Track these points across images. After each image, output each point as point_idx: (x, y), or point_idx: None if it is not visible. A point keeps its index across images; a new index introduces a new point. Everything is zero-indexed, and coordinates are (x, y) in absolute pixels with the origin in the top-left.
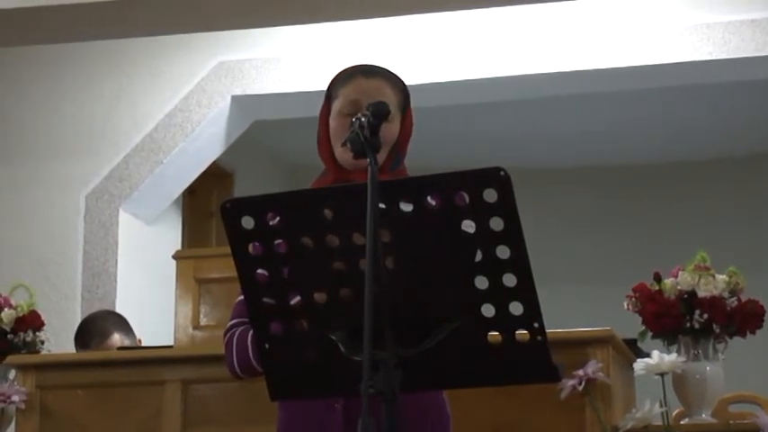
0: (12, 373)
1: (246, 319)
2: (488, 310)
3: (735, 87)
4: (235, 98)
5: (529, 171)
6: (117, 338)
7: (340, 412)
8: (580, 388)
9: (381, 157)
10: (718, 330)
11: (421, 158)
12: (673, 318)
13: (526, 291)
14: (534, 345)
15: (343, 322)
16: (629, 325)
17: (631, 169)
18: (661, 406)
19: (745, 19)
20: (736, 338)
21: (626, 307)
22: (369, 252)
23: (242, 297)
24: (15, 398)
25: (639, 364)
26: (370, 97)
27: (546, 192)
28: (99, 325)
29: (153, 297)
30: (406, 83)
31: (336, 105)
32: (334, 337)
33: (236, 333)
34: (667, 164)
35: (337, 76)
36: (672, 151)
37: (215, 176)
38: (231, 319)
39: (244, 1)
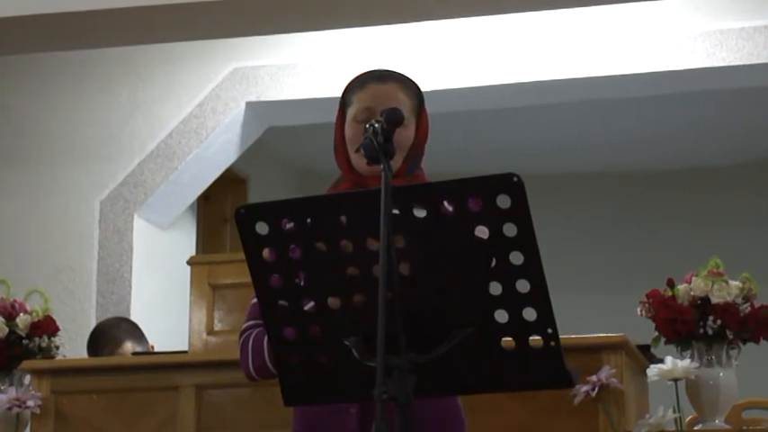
0: (27, 379)
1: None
2: (502, 316)
3: (748, 93)
4: (249, 104)
5: (542, 177)
6: (129, 346)
7: (355, 417)
8: (593, 394)
9: (397, 161)
10: (731, 336)
11: (434, 164)
12: (686, 324)
13: (539, 296)
14: (548, 350)
15: (356, 328)
16: (643, 331)
17: (645, 175)
18: (674, 412)
19: (758, 25)
20: (750, 344)
21: (639, 313)
22: (382, 258)
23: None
24: (30, 403)
25: (653, 370)
26: (383, 103)
27: (559, 198)
28: (111, 333)
29: (167, 302)
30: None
31: (351, 112)
32: (347, 343)
33: (252, 335)
34: (681, 170)
35: (351, 82)
36: (685, 157)
37: (229, 182)
38: (246, 321)
39: (258, 8)
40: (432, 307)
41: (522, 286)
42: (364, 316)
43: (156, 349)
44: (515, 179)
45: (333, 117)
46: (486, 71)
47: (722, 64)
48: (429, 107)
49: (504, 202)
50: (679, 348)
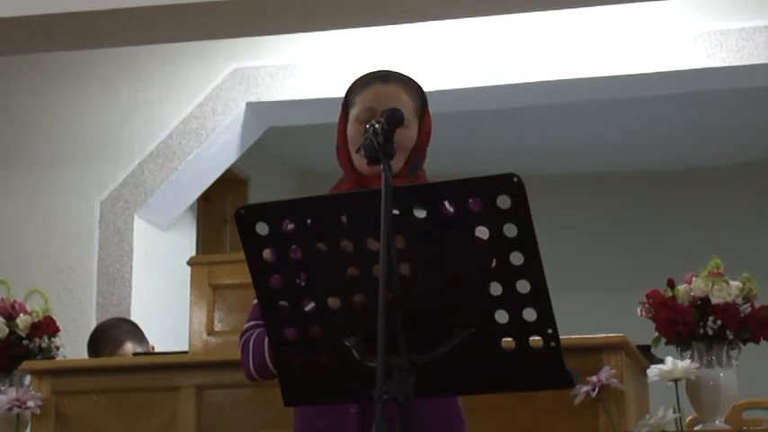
0: (27, 379)
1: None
2: (502, 317)
3: (749, 93)
4: (249, 105)
5: (544, 177)
6: (129, 347)
7: (355, 417)
8: (594, 394)
9: (398, 162)
10: (731, 337)
11: (437, 164)
12: (686, 324)
13: (540, 297)
14: (548, 351)
15: (357, 328)
16: (643, 331)
17: (646, 175)
18: (674, 412)
19: (758, 25)
20: (750, 345)
21: (639, 313)
22: (382, 258)
23: None
24: (30, 403)
25: (653, 371)
26: (385, 104)
27: (560, 199)
28: (111, 334)
29: (167, 303)
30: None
31: (353, 112)
32: (347, 343)
33: (254, 335)
34: (681, 170)
35: (354, 83)
36: (686, 158)
37: (229, 183)
38: (248, 321)
39: (259, 8)
40: (432, 307)
41: (523, 286)
42: (364, 316)
43: (156, 350)
44: (515, 179)
45: (333, 117)
46: (489, 71)
47: (722, 64)
48: (432, 107)
49: (504, 202)
50: (679, 349)
